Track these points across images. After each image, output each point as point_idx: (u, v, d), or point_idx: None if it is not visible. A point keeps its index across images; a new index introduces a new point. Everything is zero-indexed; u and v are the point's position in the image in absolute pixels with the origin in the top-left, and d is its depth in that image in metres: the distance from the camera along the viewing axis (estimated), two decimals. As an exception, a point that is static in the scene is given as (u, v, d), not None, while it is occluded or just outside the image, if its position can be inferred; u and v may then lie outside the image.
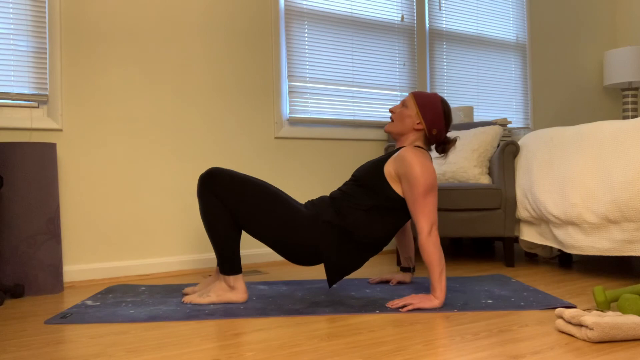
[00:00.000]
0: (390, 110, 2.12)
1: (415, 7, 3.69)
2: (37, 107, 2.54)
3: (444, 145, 2.11)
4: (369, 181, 2.01)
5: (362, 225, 1.98)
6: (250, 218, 1.94)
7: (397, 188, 1.97)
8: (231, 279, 1.99)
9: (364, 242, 2.00)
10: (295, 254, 1.99)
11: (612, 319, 1.44)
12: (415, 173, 1.89)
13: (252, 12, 3.09)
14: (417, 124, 2.05)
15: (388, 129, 2.12)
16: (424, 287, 2.24)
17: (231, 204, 1.93)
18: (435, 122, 2.04)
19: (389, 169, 1.99)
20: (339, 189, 2.11)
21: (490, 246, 3.59)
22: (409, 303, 1.86)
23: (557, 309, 1.57)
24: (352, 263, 2.03)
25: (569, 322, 1.52)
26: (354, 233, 1.98)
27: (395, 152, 2.06)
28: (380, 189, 1.98)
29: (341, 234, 1.98)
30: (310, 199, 2.36)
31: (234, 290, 2.00)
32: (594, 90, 4.63)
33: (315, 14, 3.30)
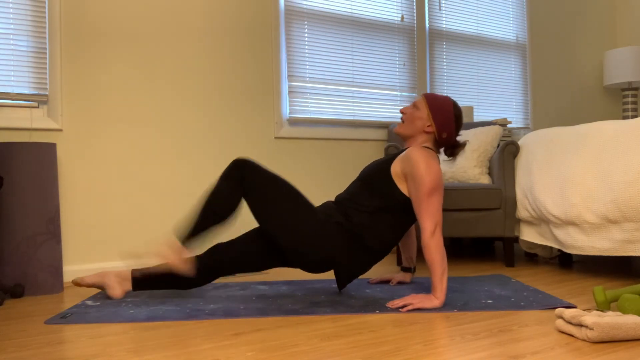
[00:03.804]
0: (401, 111, 2.10)
1: (415, 7, 3.69)
2: (37, 107, 2.54)
3: (453, 149, 2.10)
4: (375, 182, 2.00)
5: (368, 228, 1.97)
6: (272, 213, 1.92)
7: (404, 188, 1.97)
8: (180, 246, 1.91)
9: (372, 245, 1.99)
10: (307, 258, 1.95)
11: (612, 319, 1.44)
12: (421, 172, 1.88)
13: (252, 11, 3.09)
14: (428, 126, 2.04)
15: (398, 130, 2.09)
16: (424, 287, 2.24)
17: (256, 195, 1.92)
18: (445, 125, 2.03)
19: (395, 168, 1.98)
20: (346, 190, 2.10)
21: (490, 246, 3.59)
22: (409, 303, 1.86)
23: (557, 309, 1.57)
24: (361, 266, 2.02)
25: (569, 322, 1.52)
26: (362, 236, 1.97)
27: (401, 152, 2.06)
28: (387, 190, 1.98)
29: (350, 237, 1.97)
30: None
31: (177, 254, 1.91)
32: (594, 90, 4.63)
33: (315, 14, 3.30)
